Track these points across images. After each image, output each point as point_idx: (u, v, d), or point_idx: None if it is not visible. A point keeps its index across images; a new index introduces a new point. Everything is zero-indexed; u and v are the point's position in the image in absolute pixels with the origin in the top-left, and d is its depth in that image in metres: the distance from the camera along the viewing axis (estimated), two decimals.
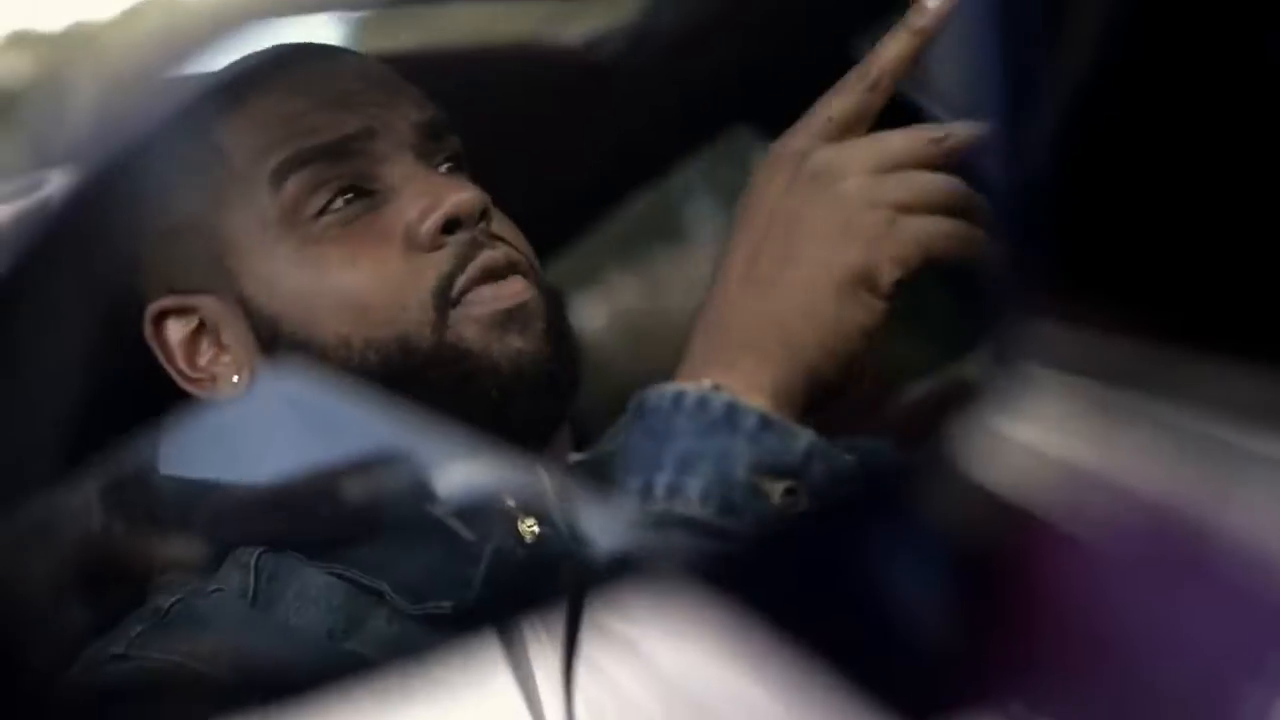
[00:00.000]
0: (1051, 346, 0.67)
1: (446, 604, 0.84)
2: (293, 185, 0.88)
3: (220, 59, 0.74)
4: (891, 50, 0.79)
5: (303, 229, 0.88)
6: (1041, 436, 0.66)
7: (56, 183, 0.66)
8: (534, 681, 0.73)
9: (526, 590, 0.85)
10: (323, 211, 0.88)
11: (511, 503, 0.89)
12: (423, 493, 0.83)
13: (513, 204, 1.52)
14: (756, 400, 0.75)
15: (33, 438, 0.68)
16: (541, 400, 0.90)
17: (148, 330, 0.90)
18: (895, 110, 1.39)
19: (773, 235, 0.76)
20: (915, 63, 0.79)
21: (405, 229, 0.89)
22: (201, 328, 0.90)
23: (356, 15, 1.02)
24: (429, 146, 0.93)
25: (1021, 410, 0.66)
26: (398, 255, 0.88)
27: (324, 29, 0.98)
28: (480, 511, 0.86)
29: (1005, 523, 0.66)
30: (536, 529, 0.89)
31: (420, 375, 0.88)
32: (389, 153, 0.90)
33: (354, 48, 1.09)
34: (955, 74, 0.74)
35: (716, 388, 0.75)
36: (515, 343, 0.89)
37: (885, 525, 0.70)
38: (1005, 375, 0.67)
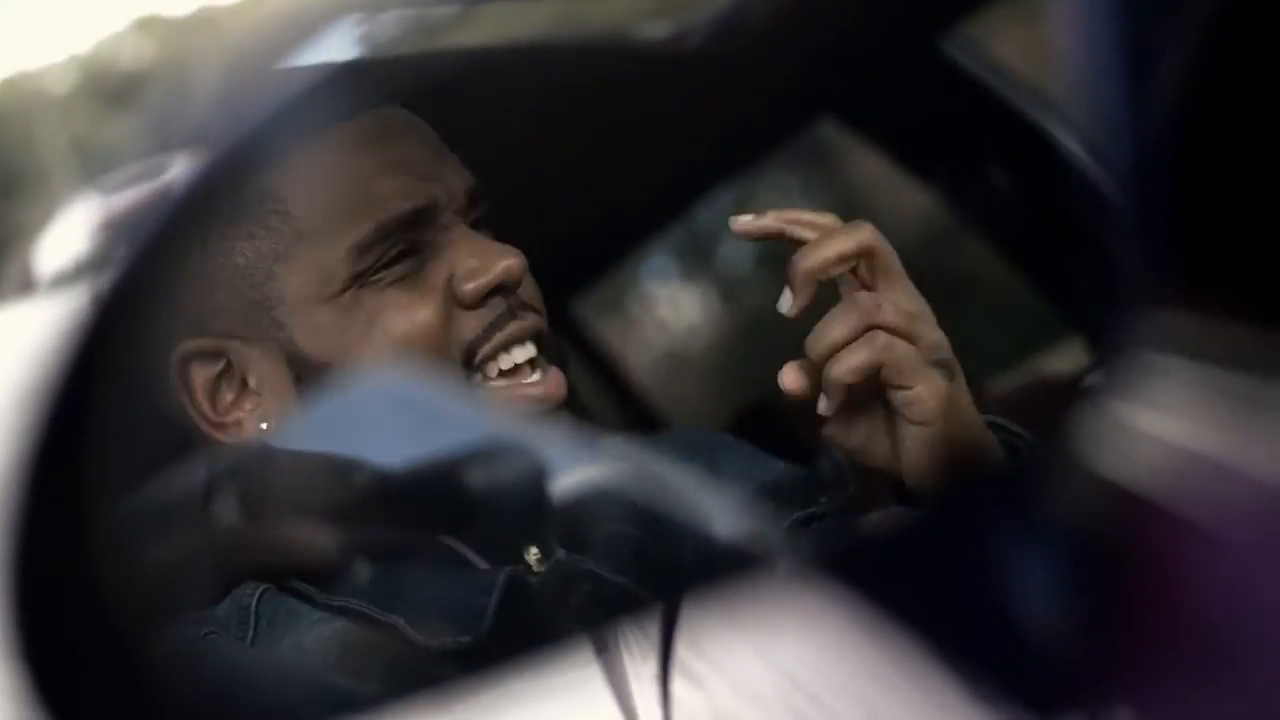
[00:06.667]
0: (1174, 334, 0.66)
1: (466, 639, 0.84)
2: (371, 257, 0.91)
3: (341, 44, 0.74)
4: None
5: (360, 285, 0.92)
6: (1165, 425, 0.66)
7: (179, 166, 0.66)
8: (629, 689, 0.73)
9: (539, 620, 0.87)
10: (377, 267, 0.92)
11: (513, 532, 0.91)
12: (537, 483, 0.84)
13: (600, 196, 1.52)
14: None
15: (153, 425, 0.68)
16: None
17: (173, 370, 0.90)
18: (997, 114, 1.39)
19: None
20: None
21: (451, 283, 0.93)
22: (227, 370, 0.92)
23: (446, 10, 1.02)
24: (470, 209, 0.97)
25: (1145, 399, 0.66)
26: (440, 307, 0.93)
27: (411, 23, 0.98)
28: (492, 540, 0.88)
29: (1130, 513, 0.65)
30: (538, 556, 0.91)
31: None
32: (446, 221, 0.95)
33: (443, 43, 1.09)
34: (1073, 72, 0.74)
35: None
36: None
37: (1006, 519, 0.69)
38: (1127, 363, 0.67)
